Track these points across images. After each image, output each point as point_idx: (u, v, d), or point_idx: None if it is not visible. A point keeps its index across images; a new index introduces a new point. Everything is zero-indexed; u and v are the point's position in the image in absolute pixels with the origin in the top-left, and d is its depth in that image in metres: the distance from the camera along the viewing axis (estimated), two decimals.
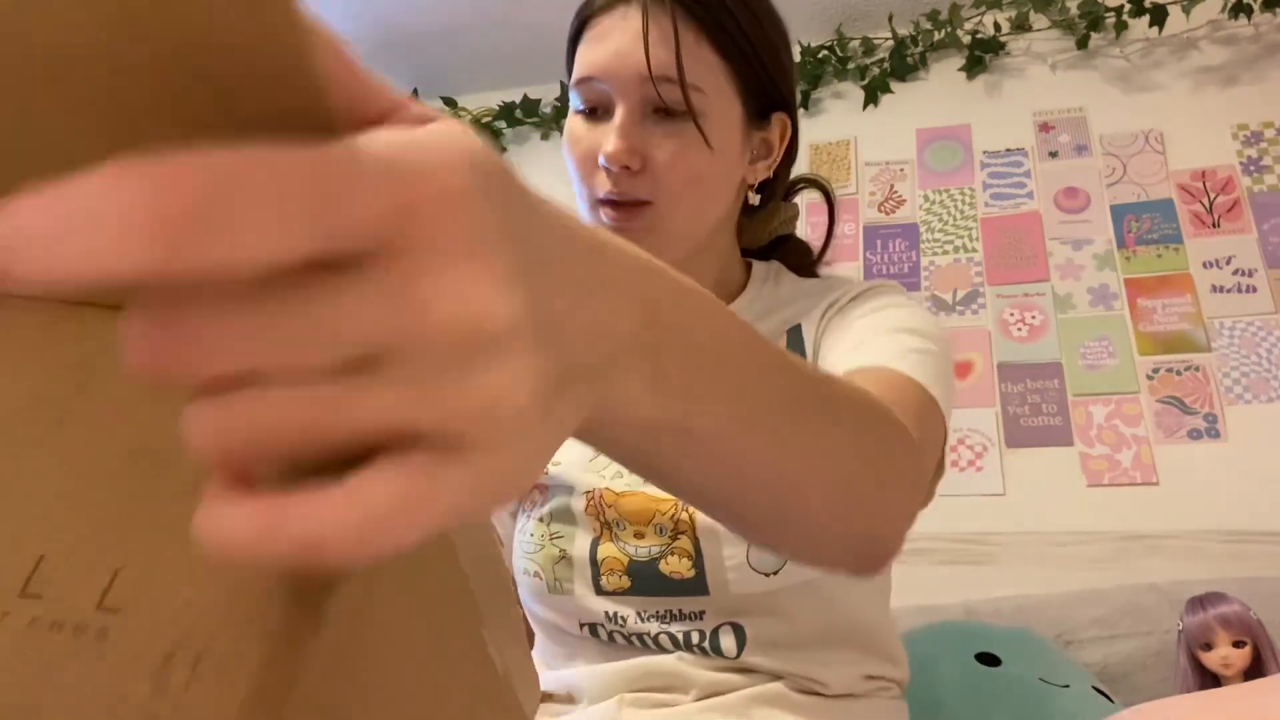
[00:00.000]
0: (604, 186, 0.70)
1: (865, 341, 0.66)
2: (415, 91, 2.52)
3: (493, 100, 2.49)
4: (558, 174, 2.62)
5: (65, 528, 0.21)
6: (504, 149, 2.51)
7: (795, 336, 0.74)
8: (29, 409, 0.22)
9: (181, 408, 0.20)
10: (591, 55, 0.71)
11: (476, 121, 2.47)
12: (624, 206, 0.70)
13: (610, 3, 0.72)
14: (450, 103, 2.50)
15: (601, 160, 0.69)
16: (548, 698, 0.74)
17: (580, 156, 0.72)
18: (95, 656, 0.19)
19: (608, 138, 0.69)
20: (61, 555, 0.20)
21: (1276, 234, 1.81)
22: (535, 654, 0.78)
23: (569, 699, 0.72)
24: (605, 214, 0.71)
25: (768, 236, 0.86)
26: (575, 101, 0.74)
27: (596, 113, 0.72)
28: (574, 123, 0.74)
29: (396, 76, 2.53)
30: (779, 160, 0.79)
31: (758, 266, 0.83)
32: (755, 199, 0.82)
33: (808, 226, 0.96)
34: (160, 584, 0.20)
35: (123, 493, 0.21)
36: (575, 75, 0.73)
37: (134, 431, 0.22)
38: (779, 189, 0.83)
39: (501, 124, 2.49)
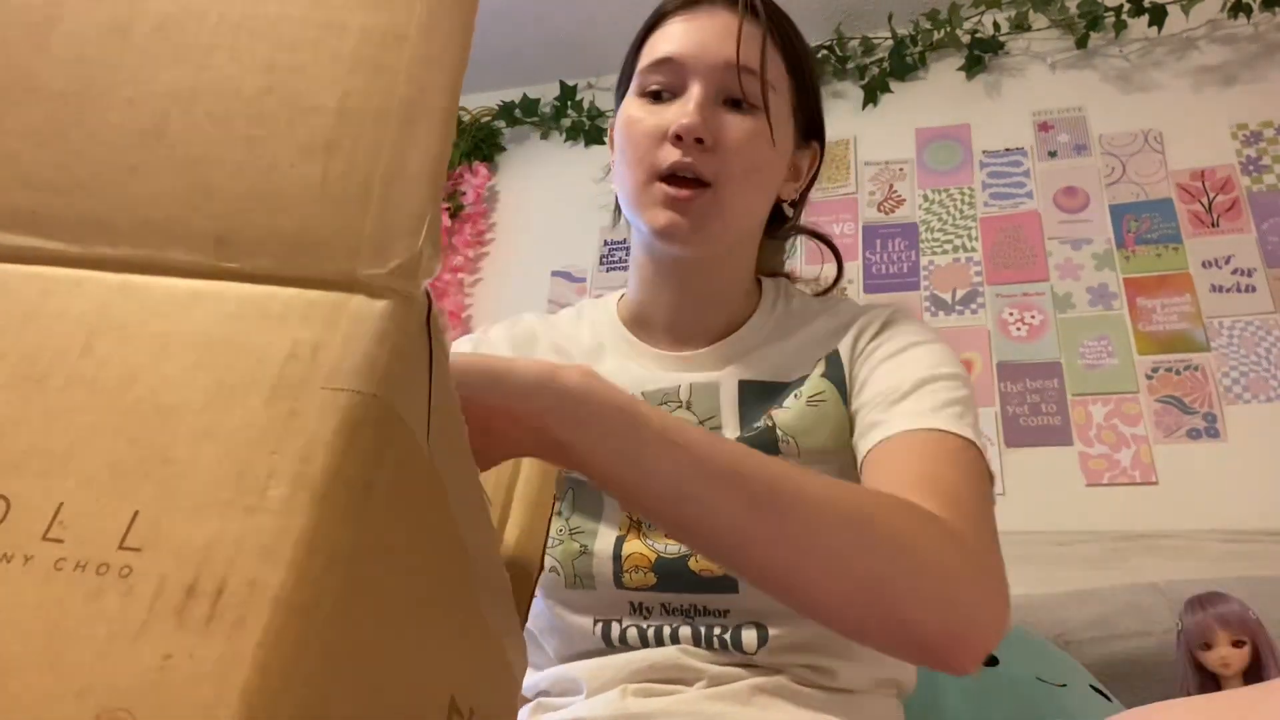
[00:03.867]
0: (670, 158, 0.72)
1: (902, 392, 0.68)
2: None
3: (492, 100, 2.49)
4: (556, 173, 2.61)
5: (80, 476, 0.22)
6: (503, 148, 2.51)
7: (835, 361, 0.76)
8: (33, 370, 0.23)
9: (187, 365, 0.23)
10: (673, 41, 0.75)
11: (476, 121, 2.47)
12: (686, 184, 0.73)
13: (697, 1, 0.77)
14: None
15: (674, 131, 0.72)
16: (544, 694, 0.74)
17: (644, 133, 0.74)
18: (121, 593, 0.20)
19: (683, 112, 0.72)
20: (79, 501, 0.21)
21: (1276, 233, 1.81)
22: (536, 658, 0.78)
23: (569, 692, 0.72)
24: (664, 189, 0.73)
25: (771, 269, 0.90)
26: (639, 84, 0.77)
27: (662, 96, 0.75)
28: (636, 105, 0.76)
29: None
30: (805, 186, 0.84)
31: (767, 282, 0.86)
32: (790, 210, 0.86)
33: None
34: (178, 524, 0.21)
35: (133, 442, 0.22)
36: (649, 59, 0.76)
37: (140, 387, 0.23)
38: (798, 215, 0.88)
39: (501, 123, 2.49)
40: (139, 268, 0.25)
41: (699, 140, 0.71)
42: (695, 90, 0.73)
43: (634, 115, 0.76)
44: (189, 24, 0.27)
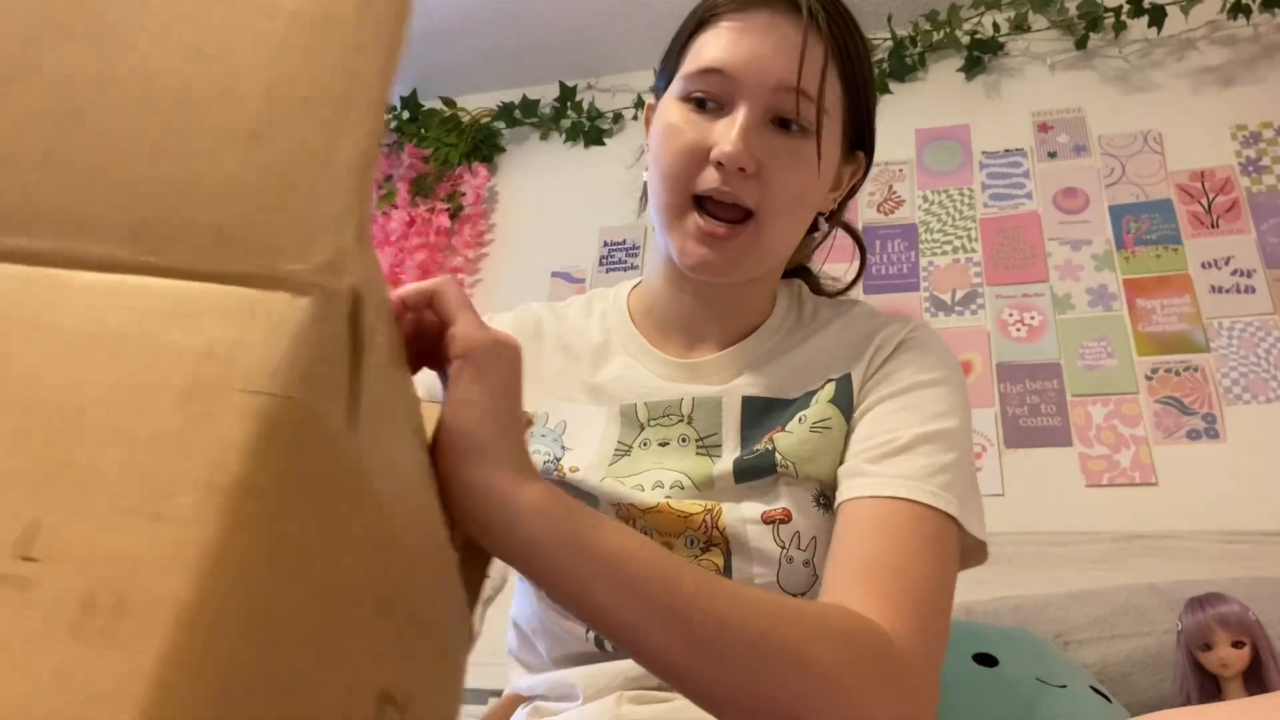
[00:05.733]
0: (710, 182, 0.69)
1: (898, 445, 0.66)
2: (415, 92, 2.52)
3: (492, 100, 2.49)
4: (555, 174, 2.60)
5: None
6: (502, 149, 2.51)
7: (845, 386, 0.74)
8: None
9: (98, 364, 0.22)
10: (725, 50, 0.70)
11: (476, 121, 2.47)
12: (725, 210, 0.70)
13: (754, 3, 0.71)
14: (450, 103, 2.50)
15: (717, 156, 0.68)
16: (541, 698, 0.74)
17: (684, 147, 0.70)
18: (17, 605, 0.19)
19: (726, 136, 0.68)
20: None
21: (1275, 234, 1.82)
22: (530, 657, 0.78)
23: (566, 697, 0.72)
24: (701, 218, 0.70)
25: (797, 263, 0.87)
26: (683, 89, 0.72)
27: (707, 106, 0.71)
28: (678, 110, 0.72)
29: (396, 77, 2.53)
30: (845, 195, 0.81)
31: (781, 283, 0.84)
32: (825, 227, 0.83)
33: None
34: (82, 533, 0.20)
35: (41, 444, 0.21)
36: (697, 64, 0.71)
37: (45, 386, 0.22)
38: (837, 221, 0.84)
39: (500, 124, 2.49)
40: (50, 260, 0.24)
41: (741, 169, 0.68)
42: (743, 111, 0.68)
43: (674, 123, 0.72)
44: (114, 3, 0.26)
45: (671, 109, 0.73)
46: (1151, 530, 1.58)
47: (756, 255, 0.72)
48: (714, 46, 0.71)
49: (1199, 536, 1.54)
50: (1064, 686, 1.02)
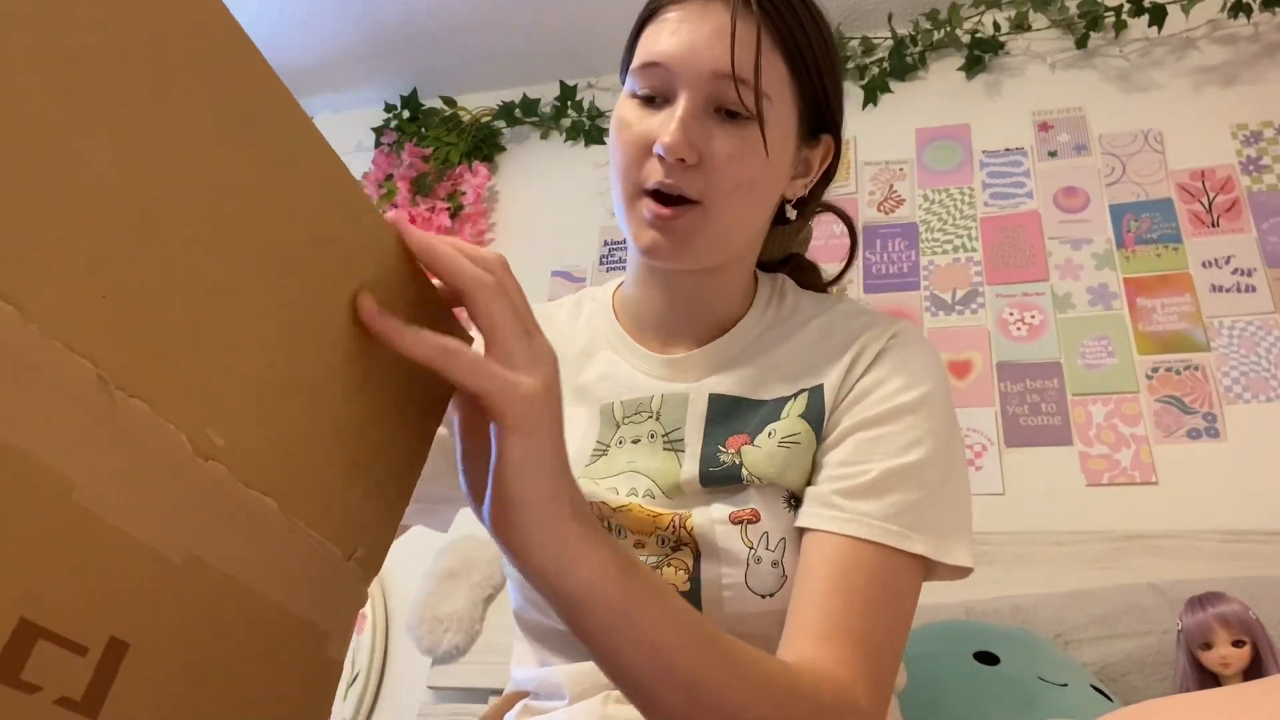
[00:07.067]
0: (654, 176, 0.69)
1: (866, 481, 0.66)
2: (415, 91, 2.52)
3: (492, 100, 2.49)
4: (556, 173, 2.59)
5: None
6: (502, 148, 2.51)
7: (816, 399, 0.72)
8: None
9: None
10: (662, 43, 0.70)
11: (476, 121, 2.47)
12: (670, 202, 0.69)
13: None
14: (450, 102, 2.50)
15: (657, 149, 0.68)
16: (531, 696, 0.74)
17: (630, 142, 0.71)
18: None
19: (666, 127, 0.68)
20: None
21: (1275, 233, 1.81)
22: (518, 654, 0.78)
23: (553, 696, 0.72)
24: (649, 207, 0.70)
25: (782, 253, 0.86)
26: (632, 86, 0.72)
27: (654, 101, 0.71)
28: (627, 107, 0.72)
29: (396, 76, 2.53)
30: (815, 180, 0.79)
31: (762, 278, 0.83)
32: (792, 214, 0.81)
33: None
34: None
35: None
36: (639, 60, 0.72)
37: None
38: (812, 209, 0.83)
39: (500, 124, 2.49)
40: None
41: (682, 160, 0.68)
42: (681, 102, 0.68)
43: (624, 118, 0.72)
44: None
45: (623, 106, 0.73)
46: (1151, 530, 1.58)
47: (707, 239, 0.71)
48: (654, 40, 0.71)
49: (1199, 536, 1.54)
50: (1065, 685, 1.02)
